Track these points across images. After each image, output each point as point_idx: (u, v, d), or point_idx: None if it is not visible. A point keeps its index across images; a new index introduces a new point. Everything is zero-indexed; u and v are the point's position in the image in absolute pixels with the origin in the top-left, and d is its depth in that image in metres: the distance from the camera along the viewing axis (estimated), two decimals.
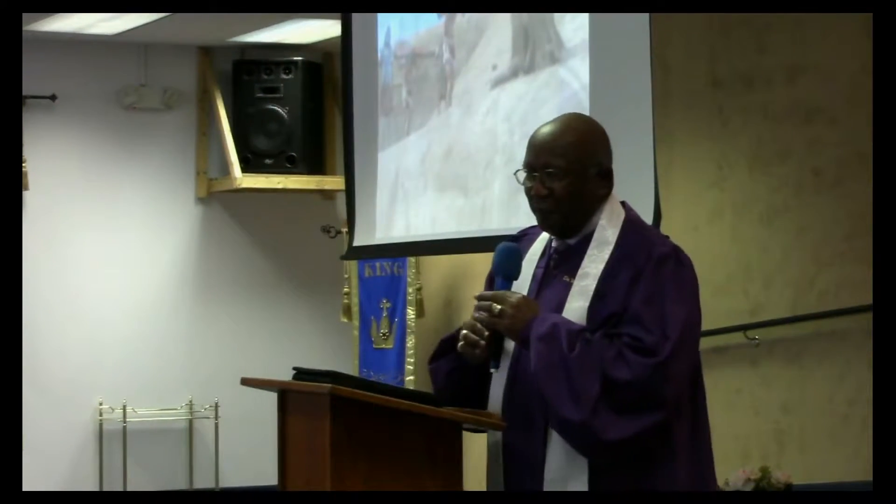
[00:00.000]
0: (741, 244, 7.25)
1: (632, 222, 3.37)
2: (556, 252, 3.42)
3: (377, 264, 8.51)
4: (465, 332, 3.35)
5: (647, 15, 5.33)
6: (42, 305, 8.81)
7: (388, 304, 8.48)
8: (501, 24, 6.25)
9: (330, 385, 3.20)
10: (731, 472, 6.49)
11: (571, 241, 3.39)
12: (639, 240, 3.32)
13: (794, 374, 6.96)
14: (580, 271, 3.31)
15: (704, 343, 7.37)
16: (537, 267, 3.43)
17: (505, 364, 3.35)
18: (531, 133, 3.42)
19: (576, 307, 3.28)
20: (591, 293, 3.28)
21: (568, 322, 3.25)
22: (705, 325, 7.93)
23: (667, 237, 3.38)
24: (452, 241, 6.43)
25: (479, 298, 3.33)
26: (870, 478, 4.16)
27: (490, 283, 3.43)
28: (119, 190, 9.08)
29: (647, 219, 5.27)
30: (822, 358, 6.83)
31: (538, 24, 6.00)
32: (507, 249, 3.40)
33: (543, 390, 3.21)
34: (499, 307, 3.28)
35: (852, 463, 6.58)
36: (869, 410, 6.03)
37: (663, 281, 3.25)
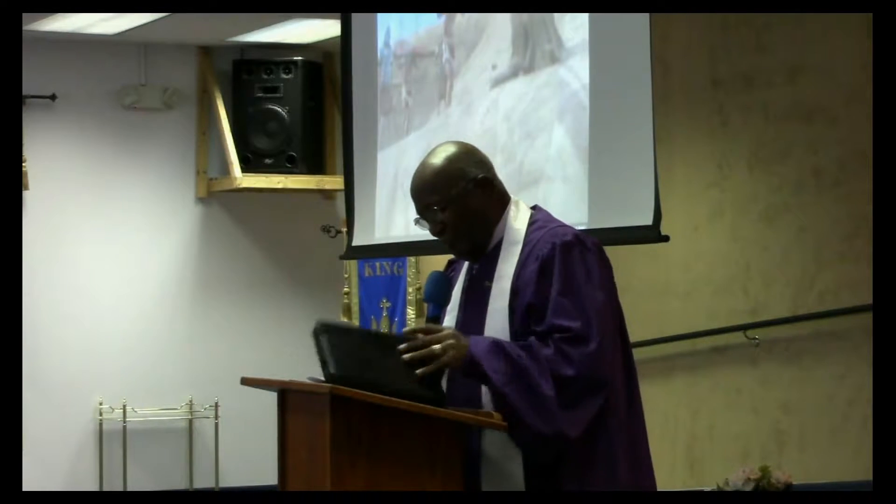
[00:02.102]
0: (741, 244, 7.25)
1: (537, 220, 3.50)
2: (476, 262, 3.54)
3: (377, 264, 8.51)
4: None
5: (647, 15, 5.33)
6: (42, 305, 8.81)
7: (388, 304, 8.48)
8: (501, 24, 6.24)
9: (330, 385, 3.21)
10: (731, 472, 6.49)
11: (492, 245, 3.50)
12: (542, 234, 3.44)
13: (794, 374, 6.96)
14: (496, 274, 3.45)
15: (704, 343, 7.44)
16: (464, 280, 3.56)
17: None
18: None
19: (497, 308, 3.41)
20: (508, 292, 3.40)
21: (497, 338, 3.35)
22: (705, 326, 7.95)
23: (570, 227, 3.48)
24: None
25: (410, 334, 3.34)
26: (870, 478, 4.15)
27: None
28: (119, 190, 9.08)
29: (647, 218, 5.28)
30: (822, 358, 6.83)
31: (538, 23, 6.00)
32: (437, 278, 3.57)
33: (511, 404, 3.27)
34: (438, 346, 3.29)
35: (852, 463, 6.58)
36: (869, 410, 6.03)
37: (573, 268, 3.36)
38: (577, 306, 3.31)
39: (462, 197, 3.46)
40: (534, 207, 3.57)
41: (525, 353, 3.30)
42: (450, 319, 3.54)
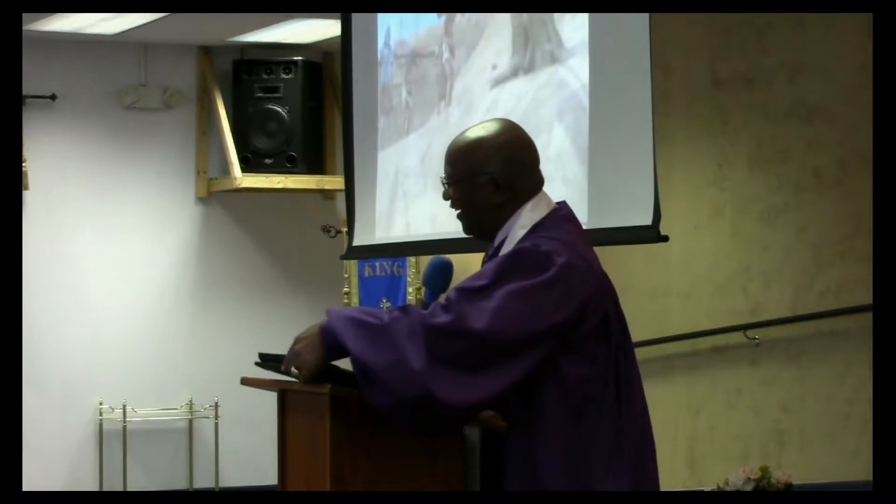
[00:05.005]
0: (741, 243, 7.26)
1: (543, 225, 3.30)
2: (487, 256, 3.43)
3: (377, 264, 8.51)
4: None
5: (647, 15, 5.33)
6: (42, 305, 8.81)
7: (388, 304, 8.48)
8: (501, 24, 6.24)
9: (330, 385, 3.20)
10: (731, 472, 6.49)
11: (496, 244, 3.37)
12: (524, 238, 3.28)
13: (794, 374, 6.97)
14: None
15: (704, 343, 7.45)
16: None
17: None
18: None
19: None
20: None
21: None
22: (705, 325, 7.94)
23: (558, 243, 3.23)
24: (452, 241, 6.43)
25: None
26: (870, 478, 4.16)
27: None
28: (119, 190, 9.09)
29: (647, 218, 5.27)
30: (822, 358, 6.83)
31: (538, 23, 6.00)
32: (437, 264, 3.48)
33: (371, 367, 3.09)
34: (288, 356, 3.30)
35: (852, 463, 6.59)
36: (869, 410, 6.03)
37: (506, 261, 3.19)
38: (487, 276, 3.15)
39: (471, 185, 3.31)
40: (559, 205, 3.37)
41: (398, 312, 3.12)
42: None
